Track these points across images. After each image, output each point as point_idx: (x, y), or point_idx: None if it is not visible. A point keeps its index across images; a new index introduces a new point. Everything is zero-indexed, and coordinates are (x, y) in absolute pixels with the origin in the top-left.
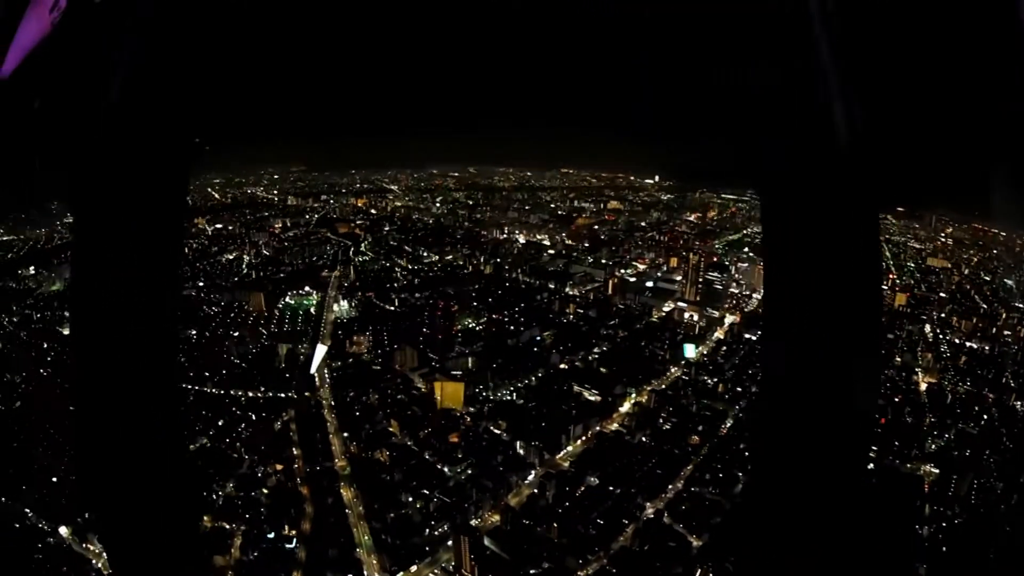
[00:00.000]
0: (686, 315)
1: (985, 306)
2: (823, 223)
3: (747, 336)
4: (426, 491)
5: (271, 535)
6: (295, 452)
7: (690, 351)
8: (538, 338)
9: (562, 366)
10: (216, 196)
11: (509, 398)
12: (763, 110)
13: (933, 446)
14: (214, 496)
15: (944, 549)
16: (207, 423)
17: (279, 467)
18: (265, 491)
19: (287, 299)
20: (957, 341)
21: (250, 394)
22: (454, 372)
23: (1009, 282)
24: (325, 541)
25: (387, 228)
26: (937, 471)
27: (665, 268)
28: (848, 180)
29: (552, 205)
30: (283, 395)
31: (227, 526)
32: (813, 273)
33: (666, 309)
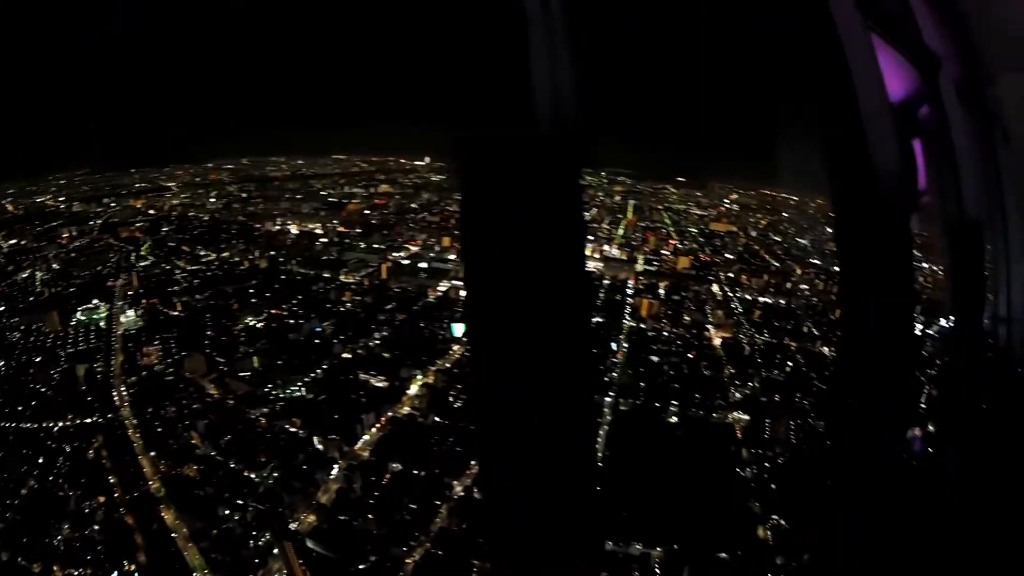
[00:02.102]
0: (463, 293)
1: (777, 264)
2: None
3: None
4: (240, 501)
5: (114, 574)
6: (111, 480)
7: (459, 330)
8: (318, 329)
9: (345, 355)
10: (10, 208)
11: (299, 393)
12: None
13: (738, 395)
14: (55, 541)
15: (773, 487)
16: (30, 462)
17: (102, 499)
18: (97, 527)
19: (79, 315)
20: (749, 297)
21: (60, 424)
22: (241, 373)
23: (803, 241)
24: (162, 570)
25: (165, 228)
26: (747, 417)
27: (438, 248)
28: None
29: (323, 192)
30: (89, 420)
31: (75, 572)
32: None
33: (442, 289)
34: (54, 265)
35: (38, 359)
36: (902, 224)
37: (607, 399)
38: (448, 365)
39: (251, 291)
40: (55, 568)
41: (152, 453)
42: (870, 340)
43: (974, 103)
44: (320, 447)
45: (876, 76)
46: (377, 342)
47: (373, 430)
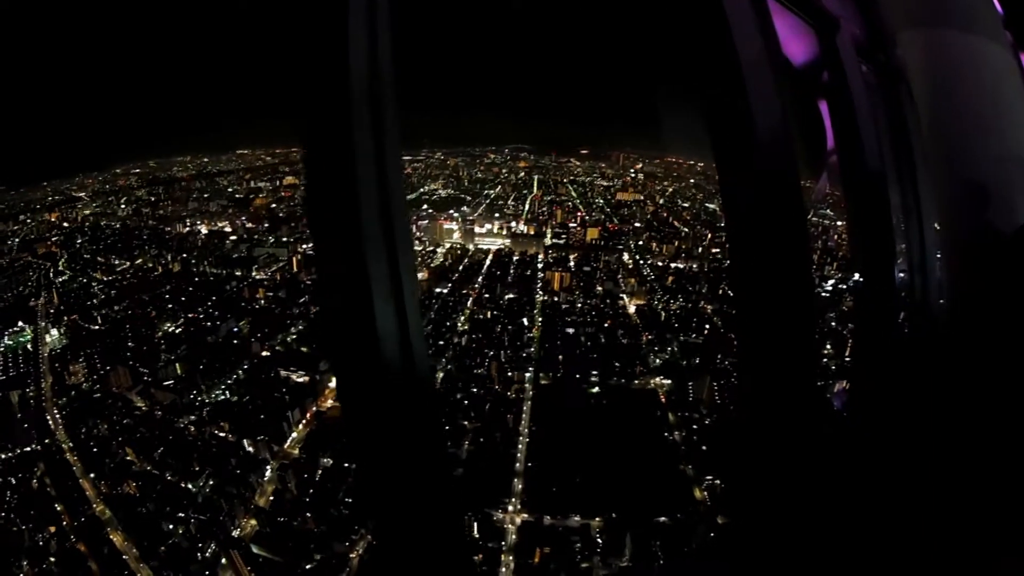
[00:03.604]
0: None
1: (687, 230)
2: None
3: (437, 290)
4: (181, 514)
5: None
6: (58, 508)
7: None
8: (235, 329)
9: (264, 353)
10: None
11: (223, 397)
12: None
13: (657, 361)
14: None
15: (704, 448)
16: None
17: (52, 529)
18: (53, 559)
19: (6, 339)
20: (660, 264)
21: (2, 455)
22: (166, 383)
23: (711, 206)
24: None
25: (79, 240)
26: (669, 382)
27: None
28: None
29: (230, 189)
30: (29, 448)
31: None
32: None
33: None
34: None
35: None
36: (788, 182)
37: (527, 374)
38: None
39: (167, 296)
40: None
41: (91, 475)
42: (765, 301)
43: (875, 61)
44: (251, 449)
45: (763, 35)
46: (294, 336)
47: (300, 427)
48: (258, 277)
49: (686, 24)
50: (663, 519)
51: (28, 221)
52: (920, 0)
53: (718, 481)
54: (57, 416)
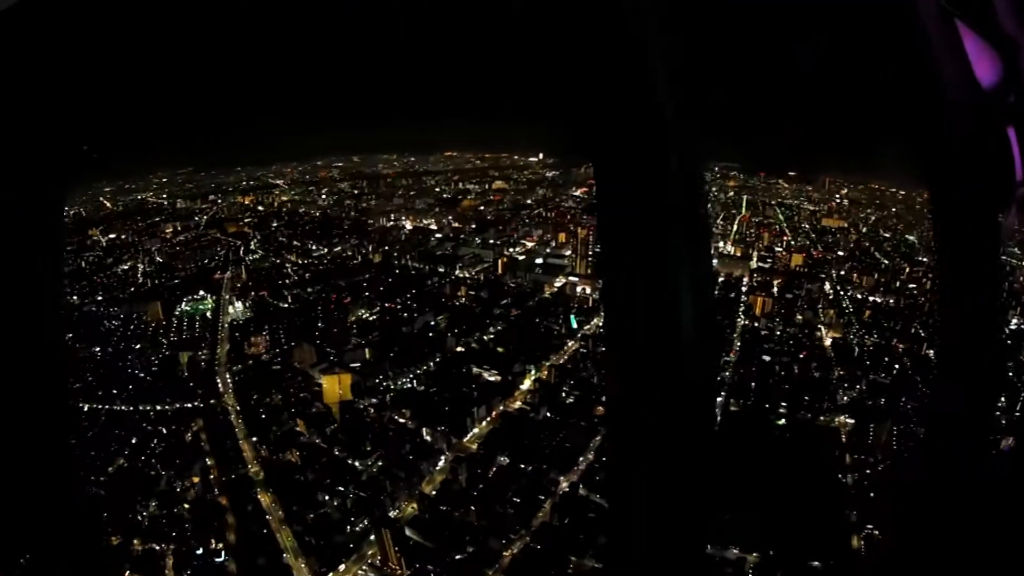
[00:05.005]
0: (578, 288)
1: (887, 262)
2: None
3: None
4: (341, 488)
5: (200, 551)
6: (209, 462)
7: (575, 322)
8: (432, 323)
9: (459, 349)
10: (108, 205)
11: (410, 385)
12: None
13: (845, 398)
14: (139, 517)
15: (872, 495)
16: (121, 442)
17: (195, 480)
18: (187, 506)
19: (183, 305)
20: (859, 296)
21: (158, 407)
22: (352, 364)
23: (911, 238)
24: (252, 550)
25: (275, 224)
26: (852, 421)
27: (554, 244)
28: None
29: (437, 189)
30: (190, 405)
31: (157, 547)
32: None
33: (558, 284)
34: (157, 258)
35: (137, 346)
36: (991, 217)
37: (718, 399)
38: (562, 361)
39: (364, 285)
40: (135, 542)
41: (254, 439)
42: (961, 339)
43: None
44: (428, 438)
45: (960, 60)
46: (491, 336)
47: (483, 423)
48: (461, 276)
49: (891, 48)
50: (816, 564)
51: (219, 201)
52: None
53: (876, 532)
54: (228, 380)
